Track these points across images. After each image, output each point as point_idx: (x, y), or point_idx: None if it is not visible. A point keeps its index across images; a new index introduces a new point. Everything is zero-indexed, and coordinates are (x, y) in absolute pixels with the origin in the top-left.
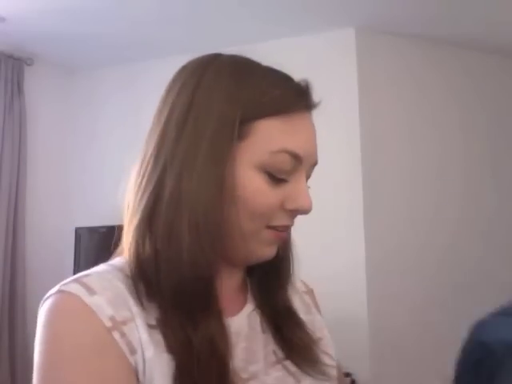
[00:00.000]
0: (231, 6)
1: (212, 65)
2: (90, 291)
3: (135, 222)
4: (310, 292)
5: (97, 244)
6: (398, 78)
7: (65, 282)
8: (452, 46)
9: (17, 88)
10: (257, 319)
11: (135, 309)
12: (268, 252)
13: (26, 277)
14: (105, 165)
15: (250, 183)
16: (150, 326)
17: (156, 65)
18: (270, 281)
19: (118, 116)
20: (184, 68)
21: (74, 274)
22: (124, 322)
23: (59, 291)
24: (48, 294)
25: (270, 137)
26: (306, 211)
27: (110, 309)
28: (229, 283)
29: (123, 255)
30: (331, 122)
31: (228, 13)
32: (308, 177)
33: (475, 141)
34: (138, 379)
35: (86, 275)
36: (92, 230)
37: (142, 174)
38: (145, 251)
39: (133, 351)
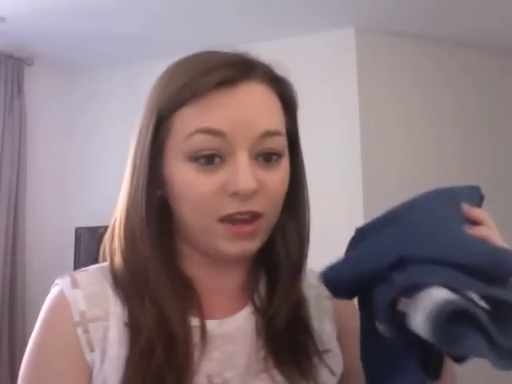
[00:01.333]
0: (231, 6)
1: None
2: (74, 285)
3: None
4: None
5: (97, 244)
6: (397, 77)
7: (62, 276)
8: (452, 46)
9: (17, 88)
10: (253, 322)
11: (115, 308)
12: (233, 249)
13: (26, 277)
14: (105, 165)
15: (180, 176)
16: (124, 323)
17: (156, 65)
18: (275, 281)
19: (118, 116)
20: None
21: None
22: (93, 320)
23: (55, 285)
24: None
25: (184, 124)
26: (244, 190)
27: (85, 304)
28: (226, 282)
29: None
30: (331, 121)
31: (228, 13)
32: (268, 149)
33: (475, 140)
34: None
35: (83, 270)
36: (92, 230)
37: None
38: (114, 253)
39: (92, 349)
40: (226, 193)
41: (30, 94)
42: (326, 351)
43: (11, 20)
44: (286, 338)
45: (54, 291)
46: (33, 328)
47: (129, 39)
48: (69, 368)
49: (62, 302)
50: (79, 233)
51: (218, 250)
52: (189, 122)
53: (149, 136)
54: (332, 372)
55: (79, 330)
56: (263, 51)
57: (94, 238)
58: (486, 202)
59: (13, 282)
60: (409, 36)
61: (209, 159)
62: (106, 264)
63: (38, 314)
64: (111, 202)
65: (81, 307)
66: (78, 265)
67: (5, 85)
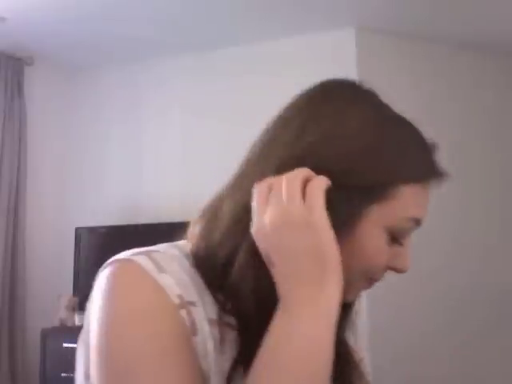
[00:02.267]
0: (231, 6)
1: (356, 107)
2: (160, 268)
3: (226, 222)
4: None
5: (97, 244)
6: (397, 77)
7: (133, 252)
8: (452, 46)
9: (17, 88)
10: None
11: (198, 297)
12: (352, 297)
13: (26, 277)
14: (105, 165)
15: (372, 241)
16: (208, 320)
17: (156, 64)
18: None
19: (118, 116)
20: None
21: (74, 274)
22: (192, 304)
23: (127, 260)
24: (113, 259)
25: (406, 203)
26: (404, 272)
27: (178, 289)
28: None
29: (190, 242)
30: None
31: (228, 13)
32: None
33: (476, 140)
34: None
35: (156, 251)
36: (92, 230)
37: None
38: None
39: (195, 333)
40: (390, 265)
41: (30, 94)
42: (361, 360)
43: (11, 20)
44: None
45: (131, 270)
46: (33, 328)
47: (129, 39)
48: (184, 347)
49: (152, 284)
50: (79, 233)
51: (345, 296)
52: (412, 204)
53: (369, 195)
54: (367, 381)
55: (183, 312)
56: (263, 51)
57: (94, 238)
58: (486, 203)
59: (13, 281)
60: (409, 36)
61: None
62: (181, 248)
63: (38, 314)
64: (111, 202)
65: (176, 291)
66: (77, 265)
67: (5, 85)
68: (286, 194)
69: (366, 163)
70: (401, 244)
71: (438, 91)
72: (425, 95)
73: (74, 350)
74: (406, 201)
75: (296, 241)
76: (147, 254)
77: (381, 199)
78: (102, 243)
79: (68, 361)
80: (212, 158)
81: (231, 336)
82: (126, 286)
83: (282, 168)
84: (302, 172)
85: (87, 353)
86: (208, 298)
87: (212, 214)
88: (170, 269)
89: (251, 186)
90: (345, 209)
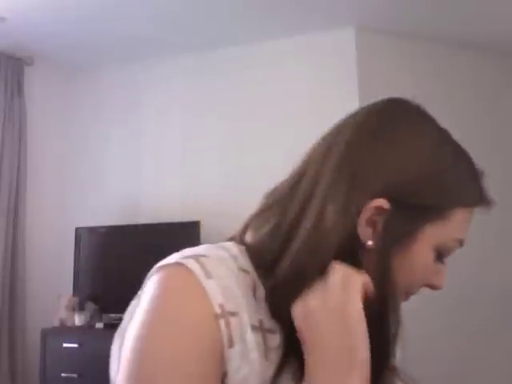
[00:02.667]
0: (231, 5)
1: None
2: (207, 274)
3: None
4: None
5: (97, 244)
6: (397, 77)
7: (182, 255)
8: (452, 46)
9: (17, 88)
10: None
11: (242, 303)
12: None
13: (26, 277)
14: (105, 165)
15: (422, 258)
16: (251, 327)
17: (156, 64)
18: None
19: (118, 115)
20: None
21: (74, 274)
22: (232, 314)
23: (178, 263)
24: (164, 263)
25: (457, 226)
26: (439, 289)
27: (221, 297)
28: None
29: (237, 243)
30: (331, 121)
31: (228, 13)
32: None
33: (475, 140)
34: (225, 373)
35: (204, 255)
36: (92, 230)
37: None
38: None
39: (231, 344)
40: (428, 282)
41: (30, 94)
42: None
43: (11, 20)
44: None
45: (180, 275)
46: (33, 328)
47: (129, 39)
48: (208, 358)
49: (198, 290)
50: (79, 233)
51: None
52: (462, 226)
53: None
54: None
55: (221, 322)
56: (263, 51)
57: (93, 238)
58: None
59: (13, 281)
60: (409, 36)
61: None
62: (229, 250)
63: (38, 314)
64: (111, 201)
65: (219, 299)
66: (77, 265)
67: (5, 85)
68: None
69: (430, 186)
70: (442, 262)
71: (438, 91)
72: (424, 95)
73: (73, 349)
74: (457, 223)
75: (329, 327)
76: (196, 258)
77: (436, 220)
78: (102, 243)
79: (68, 361)
80: (212, 158)
81: (273, 342)
82: (173, 291)
83: (385, 192)
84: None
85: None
86: (252, 304)
87: (283, 219)
88: (216, 274)
89: (358, 206)
90: (402, 226)
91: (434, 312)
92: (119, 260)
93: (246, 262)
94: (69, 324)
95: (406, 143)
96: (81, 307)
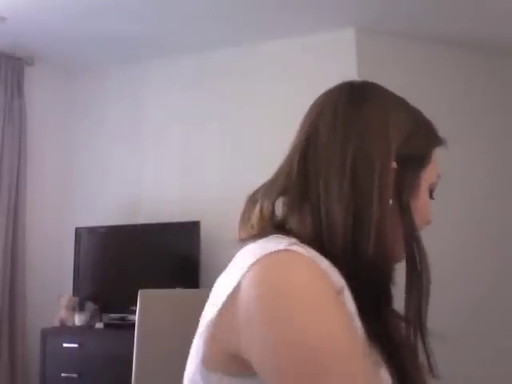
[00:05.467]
0: (231, 5)
1: (375, 96)
2: (314, 258)
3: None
4: None
5: (97, 244)
6: (398, 78)
7: (283, 245)
8: (452, 46)
9: (17, 88)
10: None
11: (340, 282)
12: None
13: (26, 277)
14: (105, 165)
15: (424, 198)
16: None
17: (157, 64)
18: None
19: (118, 115)
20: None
21: (74, 274)
22: (340, 291)
23: (287, 250)
24: (271, 251)
25: (436, 164)
26: (429, 223)
27: (332, 276)
28: None
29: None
30: None
31: (228, 13)
32: None
33: (476, 140)
34: None
35: (296, 243)
36: (92, 230)
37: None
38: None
39: (351, 317)
40: (426, 220)
41: (30, 94)
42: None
43: (11, 20)
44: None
45: (299, 257)
46: (33, 328)
47: (129, 39)
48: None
49: (320, 270)
50: (79, 233)
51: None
52: (436, 164)
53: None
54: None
55: (341, 297)
56: (263, 51)
57: (93, 238)
58: (485, 203)
59: (13, 281)
60: (409, 36)
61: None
62: (298, 244)
63: (38, 314)
64: (111, 201)
65: (332, 278)
66: (77, 265)
67: (5, 85)
68: None
69: (418, 138)
70: (432, 198)
71: (438, 91)
72: (425, 95)
73: (73, 349)
74: (435, 162)
75: None
76: (296, 244)
77: (427, 164)
78: (102, 243)
79: (68, 361)
80: (211, 159)
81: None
82: (302, 270)
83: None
84: None
85: (209, 343)
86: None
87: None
88: (317, 258)
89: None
90: (410, 178)
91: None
92: (119, 260)
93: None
94: (69, 324)
95: (386, 116)
96: (81, 307)
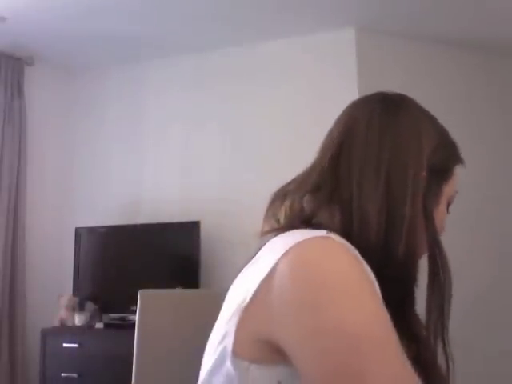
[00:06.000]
0: (231, 5)
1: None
2: (350, 247)
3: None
4: None
5: (97, 244)
6: (397, 77)
7: (321, 232)
8: (452, 46)
9: (17, 88)
10: None
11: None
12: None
13: (26, 277)
14: (105, 165)
15: (443, 209)
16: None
17: (157, 65)
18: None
19: (118, 116)
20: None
21: (74, 274)
22: (373, 282)
23: (325, 237)
24: (310, 236)
25: (456, 180)
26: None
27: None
28: None
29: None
30: (331, 122)
31: (228, 13)
32: None
33: (476, 140)
34: None
35: (325, 236)
36: (92, 230)
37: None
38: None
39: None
40: (441, 231)
41: (30, 94)
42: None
43: (11, 20)
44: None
45: (339, 244)
46: (33, 328)
47: (129, 39)
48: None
49: (359, 259)
50: (79, 233)
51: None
52: (457, 180)
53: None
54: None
55: (376, 288)
56: (264, 51)
57: (93, 238)
58: (485, 204)
59: (13, 281)
60: (409, 36)
61: None
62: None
63: (38, 314)
64: (111, 201)
65: (366, 268)
66: (77, 265)
67: (5, 85)
68: None
69: (444, 152)
70: (449, 212)
71: (438, 91)
72: (425, 95)
73: (73, 349)
74: (456, 178)
75: None
76: (330, 233)
77: (449, 178)
78: (102, 243)
79: (68, 361)
80: (211, 159)
81: None
82: (341, 256)
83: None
84: None
85: (240, 330)
86: None
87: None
88: (351, 248)
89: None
90: (435, 188)
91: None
92: (119, 260)
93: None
94: (69, 324)
95: (418, 125)
96: (81, 307)
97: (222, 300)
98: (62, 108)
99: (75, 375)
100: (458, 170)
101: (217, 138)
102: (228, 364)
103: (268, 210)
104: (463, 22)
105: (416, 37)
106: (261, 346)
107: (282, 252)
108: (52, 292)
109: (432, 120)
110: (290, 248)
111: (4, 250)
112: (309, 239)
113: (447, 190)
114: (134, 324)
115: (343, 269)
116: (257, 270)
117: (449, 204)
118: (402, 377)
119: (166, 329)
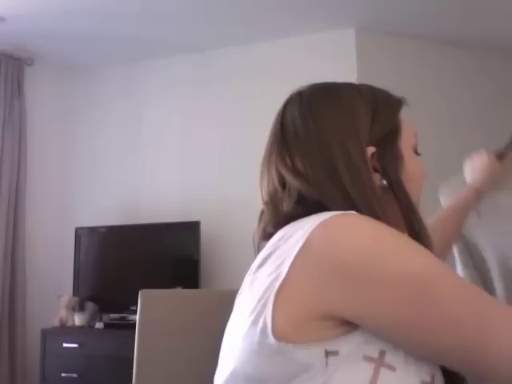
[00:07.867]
0: (231, 5)
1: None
2: None
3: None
4: None
5: (97, 244)
6: (398, 77)
7: (336, 213)
8: (452, 46)
9: (17, 88)
10: None
11: None
12: None
13: (26, 277)
14: (105, 165)
15: (411, 160)
16: None
17: (156, 65)
18: None
19: (118, 116)
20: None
21: (74, 274)
22: None
23: (352, 213)
24: (332, 214)
25: (407, 126)
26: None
27: None
28: None
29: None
30: None
31: (228, 13)
32: None
33: (475, 140)
34: None
35: (350, 213)
36: (92, 230)
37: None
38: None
39: None
40: (422, 175)
41: (30, 94)
42: None
43: (11, 20)
44: None
45: (369, 218)
46: (33, 328)
47: (129, 39)
48: None
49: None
50: (79, 233)
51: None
52: (407, 123)
53: (390, 124)
54: None
55: None
56: (264, 51)
57: (93, 238)
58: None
59: (13, 281)
60: (409, 36)
61: None
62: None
63: (37, 314)
64: (111, 201)
65: None
66: (77, 265)
67: (5, 85)
68: None
69: (384, 114)
70: (419, 154)
71: (439, 91)
72: (425, 95)
73: (73, 349)
74: (406, 124)
75: None
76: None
77: (399, 133)
78: (102, 243)
79: (68, 361)
80: (211, 158)
81: None
82: (375, 223)
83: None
84: None
85: (277, 313)
86: None
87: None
88: None
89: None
90: (391, 154)
91: None
92: (119, 260)
93: None
94: (69, 324)
95: (349, 111)
96: (81, 307)
97: (222, 300)
98: (61, 108)
99: (75, 375)
100: (404, 110)
101: (217, 137)
102: (266, 352)
103: (260, 215)
104: (463, 22)
105: (416, 37)
106: (307, 324)
107: (313, 227)
108: (52, 292)
109: (357, 91)
110: (321, 222)
111: (4, 250)
112: (338, 215)
113: (404, 142)
114: (134, 324)
115: (383, 226)
116: (278, 257)
117: (415, 150)
118: (471, 292)
119: (167, 329)
